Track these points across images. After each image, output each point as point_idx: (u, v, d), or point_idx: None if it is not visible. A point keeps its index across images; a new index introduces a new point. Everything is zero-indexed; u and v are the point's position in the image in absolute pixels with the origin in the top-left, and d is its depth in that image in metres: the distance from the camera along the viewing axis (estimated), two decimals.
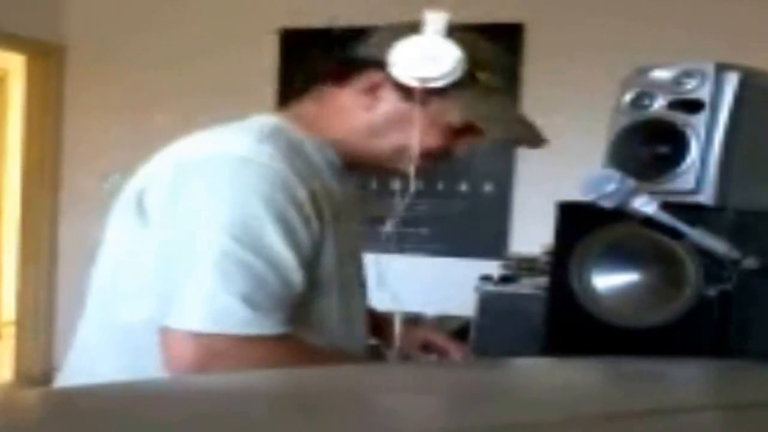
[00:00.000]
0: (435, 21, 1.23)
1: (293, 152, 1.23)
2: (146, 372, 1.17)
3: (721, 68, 1.50)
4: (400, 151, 1.30)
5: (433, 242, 4.01)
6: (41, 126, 4.66)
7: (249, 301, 1.13)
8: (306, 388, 0.83)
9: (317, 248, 1.22)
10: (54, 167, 4.66)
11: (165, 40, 4.45)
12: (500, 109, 1.30)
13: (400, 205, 1.37)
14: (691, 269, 1.42)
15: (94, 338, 1.31)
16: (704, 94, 1.49)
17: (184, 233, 1.17)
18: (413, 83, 1.23)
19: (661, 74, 1.55)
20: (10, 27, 4.32)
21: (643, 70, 1.59)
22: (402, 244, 4.03)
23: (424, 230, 4.02)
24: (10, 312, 5.17)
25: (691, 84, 1.51)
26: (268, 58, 4.21)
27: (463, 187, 3.97)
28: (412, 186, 1.30)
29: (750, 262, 1.32)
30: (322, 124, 1.31)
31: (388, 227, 1.40)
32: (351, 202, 1.38)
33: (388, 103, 1.27)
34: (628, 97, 1.58)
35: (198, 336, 1.14)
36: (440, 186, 4.01)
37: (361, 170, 1.39)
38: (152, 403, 0.75)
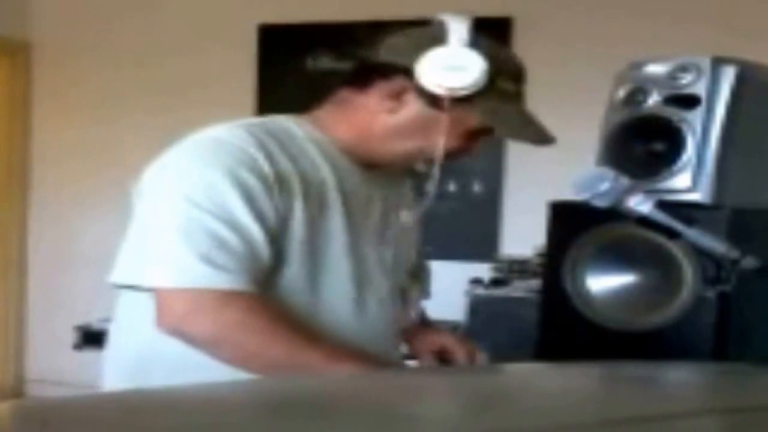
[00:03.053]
0: (459, 30, 1.34)
1: (270, 137, 1.34)
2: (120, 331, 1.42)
3: (718, 62, 1.51)
4: (420, 152, 1.41)
5: (422, 245, 4.01)
6: (9, 127, 4.61)
7: (208, 259, 1.26)
8: (298, 396, 0.84)
9: (283, 222, 1.32)
10: (23, 170, 4.62)
11: (134, 37, 4.42)
12: (515, 113, 1.40)
13: (423, 202, 1.53)
14: (688, 270, 1.43)
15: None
16: (700, 89, 1.50)
17: (151, 204, 1.34)
18: (440, 92, 1.33)
19: (655, 69, 1.56)
20: None
21: (637, 65, 1.59)
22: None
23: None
24: None
25: (686, 79, 1.52)
26: (246, 54, 4.20)
27: (452, 187, 3.97)
28: (433, 186, 1.44)
29: (749, 262, 1.31)
30: (337, 124, 1.41)
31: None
32: (375, 198, 1.46)
33: (413, 108, 1.37)
34: (621, 92, 1.59)
35: (159, 291, 1.29)
36: (429, 187, 4.01)
37: (379, 169, 1.46)
38: (141, 413, 0.75)
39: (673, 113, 1.52)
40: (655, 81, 1.55)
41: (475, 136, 1.41)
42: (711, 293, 1.41)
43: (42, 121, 4.64)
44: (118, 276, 1.38)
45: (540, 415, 0.78)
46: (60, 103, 4.59)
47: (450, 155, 1.40)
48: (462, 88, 1.32)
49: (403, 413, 0.79)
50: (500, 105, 1.37)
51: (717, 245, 1.34)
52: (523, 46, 3.78)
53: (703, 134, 1.49)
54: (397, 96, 1.37)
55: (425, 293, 1.68)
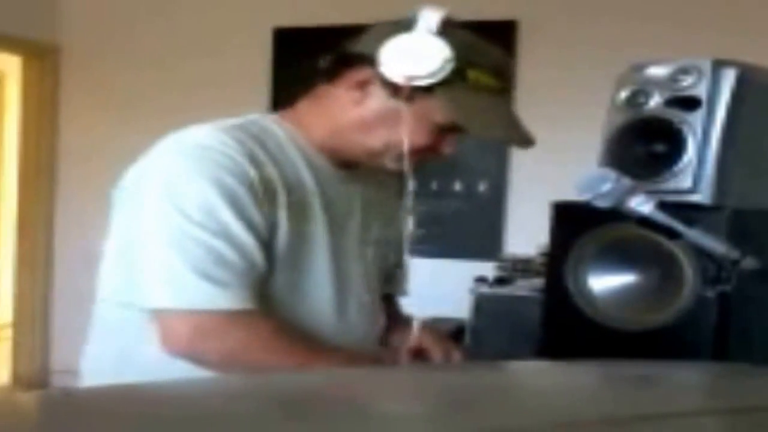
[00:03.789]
0: (428, 18, 1.23)
1: (253, 140, 1.26)
2: (109, 349, 1.32)
3: (718, 64, 1.49)
4: (389, 148, 1.30)
5: (427, 243, 3.97)
6: (38, 127, 4.66)
7: (209, 277, 1.19)
8: (284, 393, 0.82)
9: (270, 229, 1.25)
10: (50, 169, 4.66)
11: (160, 39, 4.45)
12: (488, 109, 1.27)
13: (406, 203, 1.38)
14: (689, 270, 1.41)
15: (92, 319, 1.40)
16: (701, 91, 1.48)
17: (142, 217, 1.24)
18: (400, 80, 1.22)
19: (657, 71, 1.54)
20: (5, 28, 4.31)
21: (639, 67, 1.58)
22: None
23: (417, 231, 4.00)
24: (7, 314, 5.16)
25: (687, 81, 1.50)
26: (261, 57, 4.20)
27: (457, 186, 3.95)
28: (411, 184, 1.33)
29: (749, 263, 1.30)
30: (313, 119, 1.33)
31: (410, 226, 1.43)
32: (354, 201, 1.39)
33: (377, 99, 1.27)
34: (623, 94, 1.57)
35: (161, 314, 1.21)
36: (434, 186, 3.99)
37: (356, 168, 1.38)
38: (149, 404, 0.75)
39: (674, 115, 1.50)
40: (657, 83, 1.53)
41: (445, 132, 1.29)
42: (711, 293, 1.39)
43: (69, 120, 4.67)
44: (108, 293, 1.31)
45: (540, 413, 0.77)
46: (86, 104, 4.62)
47: (420, 153, 1.29)
48: (422, 77, 1.21)
49: (400, 411, 0.77)
50: (471, 99, 1.25)
51: (717, 246, 1.32)
52: (528, 49, 3.76)
53: (704, 136, 1.47)
54: (362, 86, 1.27)
55: (402, 290, 1.55)
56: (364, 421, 0.73)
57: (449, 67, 1.21)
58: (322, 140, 1.33)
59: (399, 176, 1.39)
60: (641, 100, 1.55)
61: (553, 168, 3.18)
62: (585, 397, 0.87)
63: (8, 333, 4.97)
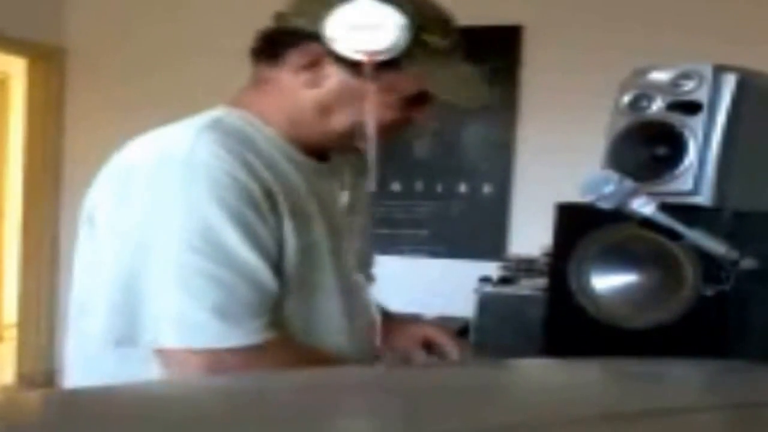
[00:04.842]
0: None
1: (241, 145, 1.13)
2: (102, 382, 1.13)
3: (719, 70, 1.50)
4: (357, 129, 1.18)
5: (432, 244, 4.01)
6: (43, 129, 4.65)
7: (220, 312, 1.08)
8: (288, 391, 0.82)
9: (278, 243, 1.14)
10: (55, 170, 4.65)
11: (165, 42, 4.44)
12: (452, 72, 1.18)
13: (367, 185, 1.27)
14: (690, 270, 1.42)
15: (69, 350, 1.27)
16: (702, 95, 1.49)
17: (139, 246, 1.11)
18: (359, 57, 1.11)
19: (659, 76, 1.55)
20: (11, 30, 4.30)
21: (641, 72, 1.59)
22: (401, 245, 4.03)
23: (423, 232, 4.01)
24: (11, 314, 5.16)
25: (689, 85, 1.51)
26: None
27: (462, 188, 3.96)
28: (374, 167, 1.19)
29: (748, 263, 1.31)
30: (270, 109, 1.20)
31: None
32: (335, 197, 1.28)
33: (334, 78, 1.16)
34: (626, 98, 1.58)
35: (171, 353, 1.11)
36: (439, 187, 4.00)
37: (329, 157, 1.27)
38: (155, 404, 0.75)
39: (675, 119, 1.51)
40: (659, 87, 1.54)
41: (414, 103, 1.19)
42: (711, 293, 1.40)
43: (74, 122, 4.67)
44: (103, 331, 1.13)
45: (544, 410, 0.77)
46: (91, 106, 4.61)
47: (391, 128, 1.18)
48: (382, 51, 1.10)
49: (407, 408, 0.78)
50: (431, 64, 1.15)
51: (717, 246, 1.33)
52: (533, 54, 3.78)
53: (705, 139, 1.48)
54: (313, 66, 1.15)
55: (372, 278, 1.43)
56: (364, 421, 0.74)
57: (407, 36, 1.11)
58: (285, 131, 1.20)
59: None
60: (644, 104, 1.55)
61: (557, 170, 3.21)
62: (588, 394, 0.87)
63: (13, 333, 4.98)
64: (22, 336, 4.78)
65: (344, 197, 1.30)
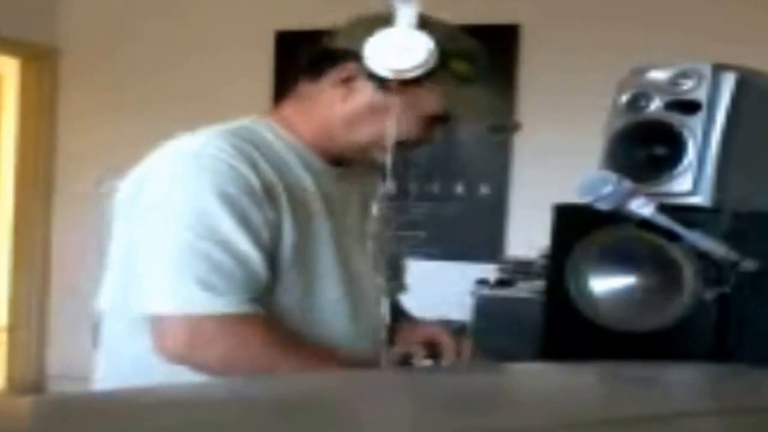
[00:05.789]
0: (406, 13, 1.27)
1: (251, 145, 1.28)
2: (118, 358, 1.34)
3: (718, 69, 1.50)
4: (377, 142, 1.33)
5: (429, 246, 3.99)
6: (35, 130, 4.65)
7: (204, 283, 1.21)
8: (287, 395, 0.83)
9: (275, 234, 1.27)
10: (48, 171, 4.64)
11: (159, 43, 4.44)
12: (472, 96, 1.33)
13: (385, 196, 1.45)
14: (689, 272, 1.42)
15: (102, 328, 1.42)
16: (701, 94, 1.49)
17: (143, 228, 1.28)
18: (388, 75, 1.26)
19: (657, 75, 1.55)
20: (4, 31, 4.29)
21: (640, 71, 1.59)
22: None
23: (419, 233, 4.01)
24: (2, 318, 5.15)
25: (687, 85, 1.51)
26: (263, 60, 4.20)
27: (459, 189, 3.96)
28: (389, 178, 1.36)
29: (748, 265, 1.31)
30: (300, 119, 1.35)
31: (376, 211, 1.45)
32: (351, 197, 1.41)
33: (364, 94, 1.31)
34: (624, 98, 1.58)
35: (159, 319, 1.24)
36: (436, 189, 4.00)
37: (348, 164, 1.40)
38: (146, 408, 0.74)
39: (674, 118, 1.51)
40: (657, 87, 1.54)
41: (432, 122, 1.34)
42: (711, 295, 1.40)
43: (67, 123, 4.66)
44: (116, 305, 1.32)
45: (542, 414, 0.77)
46: (84, 106, 4.62)
47: (408, 144, 1.34)
48: (409, 70, 1.25)
49: (400, 412, 0.78)
50: (455, 88, 1.30)
51: (716, 248, 1.33)
52: (530, 54, 3.78)
53: (704, 139, 1.48)
54: (348, 82, 1.30)
55: (402, 287, 1.58)
56: (363, 422, 0.74)
57: (434, 59, 1.25)
58: (312, 139, 1.35)
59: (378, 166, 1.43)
60: (642, 103, 1.55)
61: (555, 171, 3.20)
62: (586, 398, 0.87)
63: (3, 337, 4.96)
64: (12, 340, 4.77)
65: (374, 209, 1.44)
